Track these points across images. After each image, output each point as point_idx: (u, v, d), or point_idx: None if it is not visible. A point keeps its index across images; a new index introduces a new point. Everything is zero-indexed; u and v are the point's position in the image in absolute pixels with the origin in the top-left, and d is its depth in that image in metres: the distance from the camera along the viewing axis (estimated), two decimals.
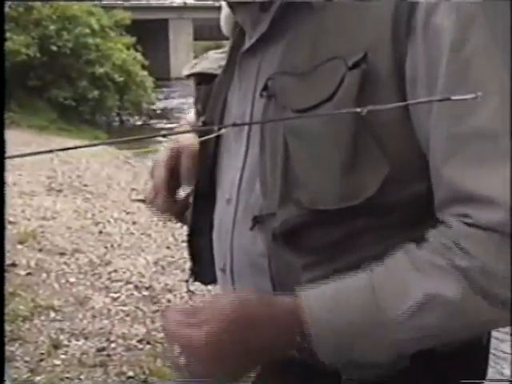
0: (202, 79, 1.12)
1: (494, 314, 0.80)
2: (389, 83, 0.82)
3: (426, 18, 0.80)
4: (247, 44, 0.96)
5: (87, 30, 15.23)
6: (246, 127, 0.94)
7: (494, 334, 0.98)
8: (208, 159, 1.04)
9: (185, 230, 1.14)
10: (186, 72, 1.15)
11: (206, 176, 1.05)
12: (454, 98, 0.72)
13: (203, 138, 0.69)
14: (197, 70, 1.14)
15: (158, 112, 17.85)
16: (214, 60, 1.14)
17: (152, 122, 17.04)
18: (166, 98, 20.32)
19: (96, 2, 17.58)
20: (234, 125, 0.81)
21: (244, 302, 0.81)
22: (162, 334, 3.85)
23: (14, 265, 4.66)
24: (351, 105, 0.81)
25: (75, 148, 0.70)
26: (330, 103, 0.83)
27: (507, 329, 0.92)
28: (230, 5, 1.00)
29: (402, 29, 0.81)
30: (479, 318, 0.81)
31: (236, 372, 0.82)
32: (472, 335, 0.87)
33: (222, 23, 1.10)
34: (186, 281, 1.13)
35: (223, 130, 0.69)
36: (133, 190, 8.23)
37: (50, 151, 0.66)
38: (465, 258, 0.79)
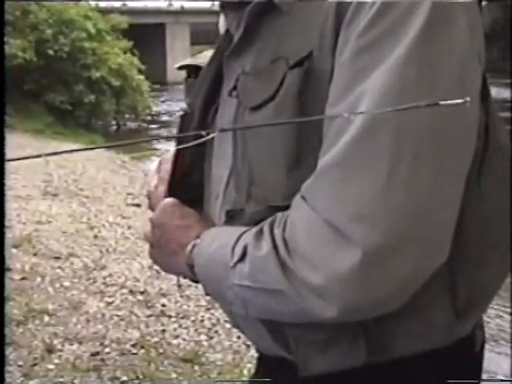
0: (192, 73, 1.15)
1: (292, 292, 0.80)
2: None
3: (351, 16, 0.79)
4: (231, 46, 0.98)
5: (84, 34, 15.27)
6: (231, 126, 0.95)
7: None
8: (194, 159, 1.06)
9: None
10: (177, 65, 1.18)
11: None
12: (442, 103, 0.71)
13: (188, 145, 0.70)
14: (187, 62, 1.17)
15: (155, 116, 17.88)
16: (206, 56, 1.16)
17: (148, 126, 17.07)
18: (162, 102, 20.35)
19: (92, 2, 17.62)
20: (222, 130, 0.82)
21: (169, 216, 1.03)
22: (155, 339, 3.86)
23: (8, 269, 4.66)
24: (292, 103, 0.83)
25: (82, 150, 0.69)
26: (273, 102, 0.85)
27: None
28: (222, 5, 1.02)
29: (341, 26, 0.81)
30: (279, 283, 0.81)
31: (161, 262, 1.08)
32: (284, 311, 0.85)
33: (220, 25, 1.11)
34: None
35: (211, 135, 0.69)
36: (128, 194, 8.23)
37: (52, 154, 0.65)
38: (280, 226, 0.82)
